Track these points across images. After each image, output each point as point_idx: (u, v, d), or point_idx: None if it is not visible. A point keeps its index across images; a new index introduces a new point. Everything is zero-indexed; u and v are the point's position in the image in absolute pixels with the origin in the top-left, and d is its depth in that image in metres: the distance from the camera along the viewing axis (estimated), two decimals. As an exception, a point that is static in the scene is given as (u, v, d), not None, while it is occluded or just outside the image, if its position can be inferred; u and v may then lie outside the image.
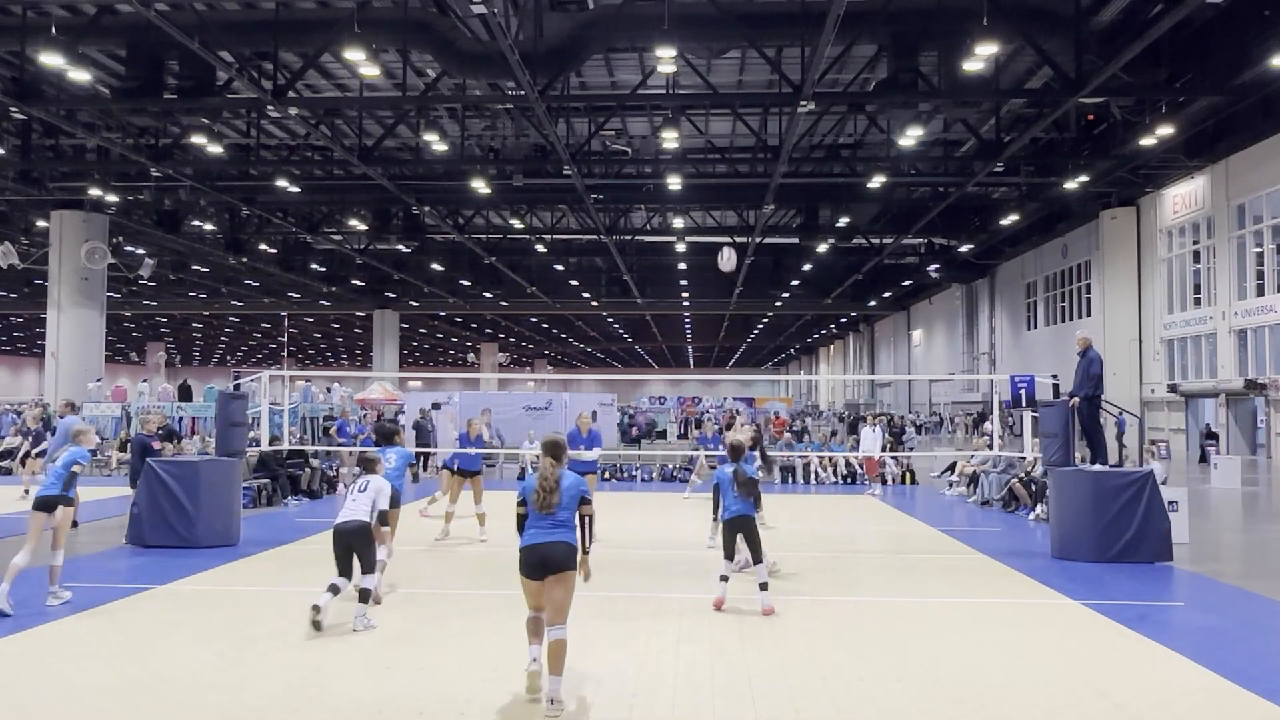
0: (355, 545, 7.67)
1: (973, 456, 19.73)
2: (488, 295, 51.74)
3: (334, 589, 7.57)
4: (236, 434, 12.78)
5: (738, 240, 37.08)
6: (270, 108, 19.97)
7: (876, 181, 26.86)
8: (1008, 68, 21.79)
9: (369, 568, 7.73)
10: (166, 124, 25.55)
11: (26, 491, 17.60)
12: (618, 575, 10.20)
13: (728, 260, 15.09)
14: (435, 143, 24.96)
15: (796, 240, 37.85)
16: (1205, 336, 29.61)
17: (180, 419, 24.16)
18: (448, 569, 10.66)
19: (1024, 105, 24.20)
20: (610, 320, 71.65)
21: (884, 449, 21.41)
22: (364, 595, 7.64)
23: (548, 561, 5.80)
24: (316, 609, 7.41)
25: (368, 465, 8.38)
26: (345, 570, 7.68)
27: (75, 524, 13.24)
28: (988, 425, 23.89)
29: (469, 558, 11.30)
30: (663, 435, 39.26)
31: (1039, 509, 15.21)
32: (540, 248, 39.58)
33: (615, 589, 9.49)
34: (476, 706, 5.75)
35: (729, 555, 8.44)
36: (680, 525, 14.54)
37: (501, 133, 27.42)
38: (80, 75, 20.09)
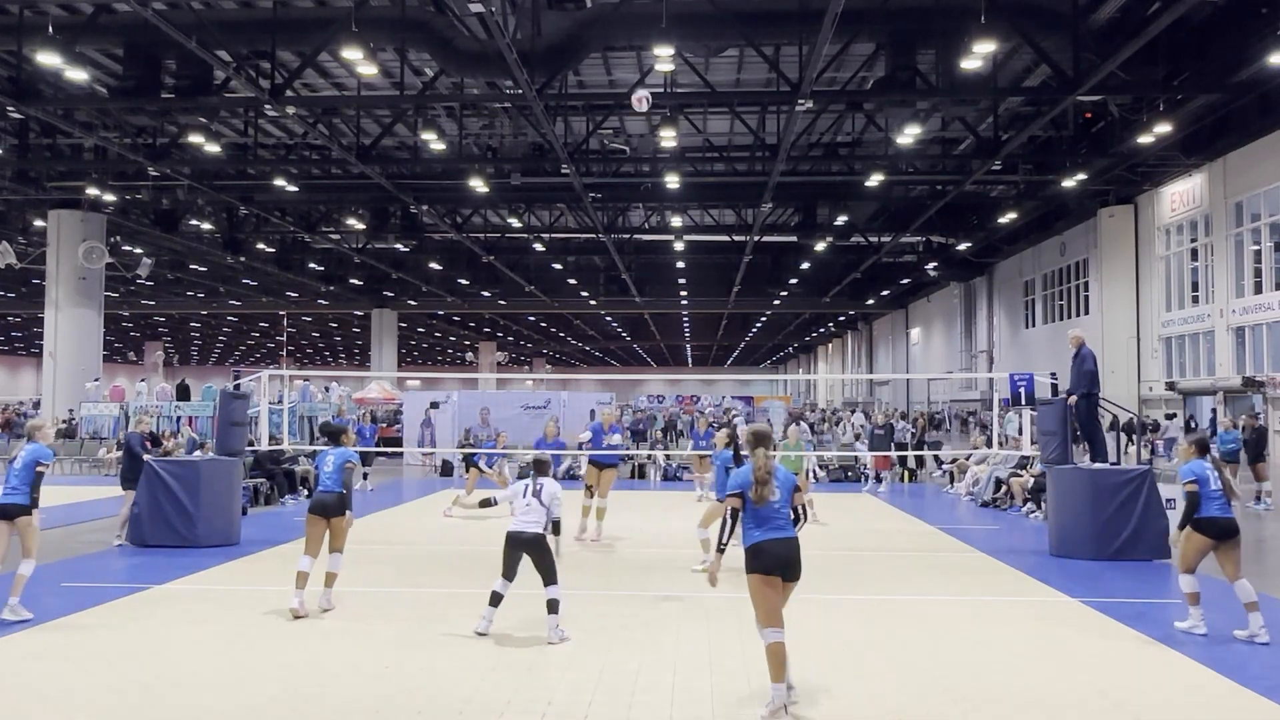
0: (531, 554, 7.36)
1: (970, 455, 19.76)
2: (486, 294, 51.72)
3: (497, 598, 7.42)
4: (236, 434, 12.77)
5: (736, 239, 37.10)
6: (268, 107, 19.93)
7: (874, 180, 26.85)
8: (1005, 66, 21.78)
9: (551, 579, 7.34)
10: (164, 123, 25.52)
11: None
12: (618, 574, 10.21)
13: (641, 101, 15.00)
14: (433, 142, 24.91)
15: (795, 239, 37.82)
16: (1203, 334, 29.63)
17: (178, 418, 24.16)
18: (445, 569, 10.66)
19: (1022, 103, 24.18)
20: (608, 319, 71.63)
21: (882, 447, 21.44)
22: (552, 606, 7.32)
23: (795, 563, 5.64)
24: (488, 620, 7.42)
25: (540, 468, 7.75)
26: (510, 575, 7.44)
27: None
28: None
29: (466, 557, 11.29)
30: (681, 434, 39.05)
31: (1030, 506, 15.24)
32: (538, 246, 39.56)
33: (615, 588, 9.49)
34: (476, 706, 5.75)
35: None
36: (680, 525, 14.54)
37: (499, 131, 27.39)
38: (77, 74, 20.05)
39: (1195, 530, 7.69)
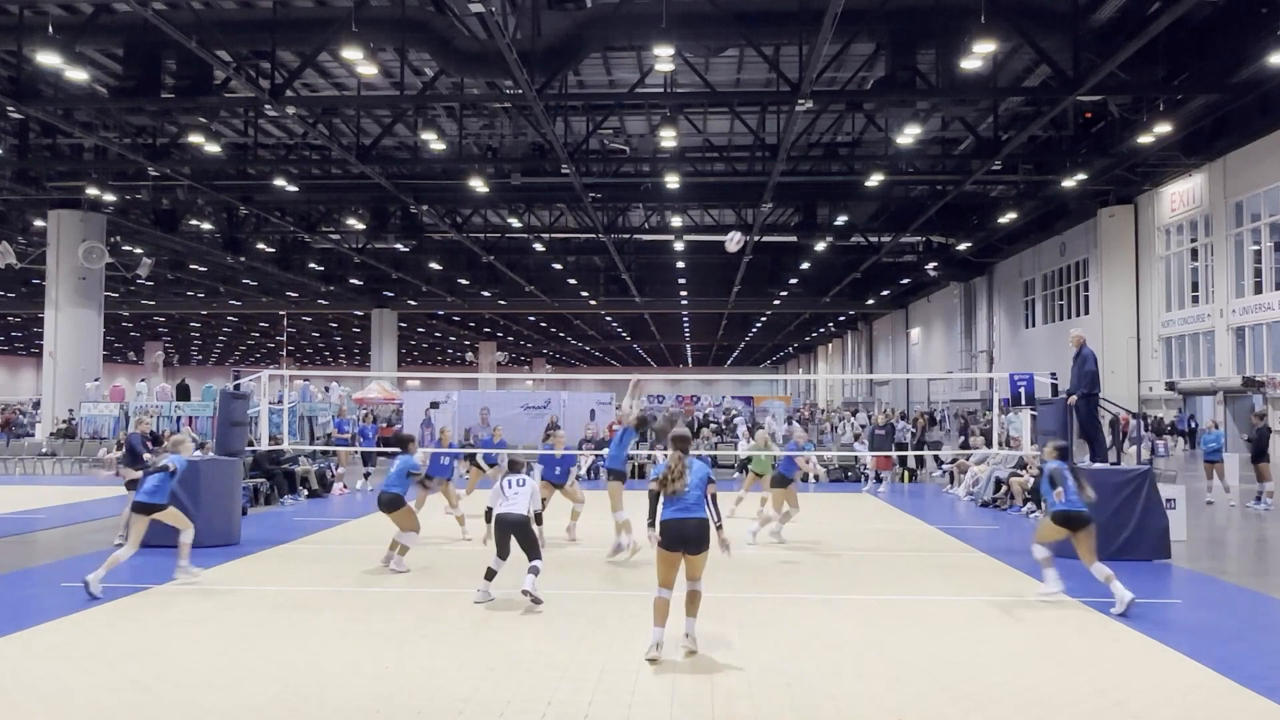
0: (518, 535, 8.46)
1: (970, 455, 19.76)
2: (486, 294, 51.72)
3: (491, 573, 8.55)
4: (236, 434, 12.77)
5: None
6: (268, 107, 19.95)
7: (874, 180, 26.86)
8: (1005, 66, 21.79)
9: (535, 555, 8.51)
10: (164, 123, 25.53)
11: None
12: (618, 574, 10.21)
13: (735, 243, 15.45)
14: (433, 141, 24.92)
15: (795, 239, 37.84)
16: (1203, 334, 29.65)
17: (178, 418, 24.18)
18: (445, 568, 10.66)
19: (1022, 103, 24.20)
20: (609, 319, 71.64)
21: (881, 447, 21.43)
22: (534, 570, 8.43)
23: (693, 538, 6.81)
24: (485, 593, 8.47)
25: (515, 467, 9.25)
26: (504, 554, 8.56)
27: None
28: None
29: (463, 557, 11.29)
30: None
31: (1030, 506, 15.24)
32: (538, 246, 39.57)
33: (615, 588, 9.50)
34: (474, 706, 5.75)
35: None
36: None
37: (499, 131, 27.40)
38: (78, 74, 20.07)
39: (1053, 521, 8.87)
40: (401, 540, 10.30)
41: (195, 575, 9.72)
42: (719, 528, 6.90)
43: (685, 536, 6.80)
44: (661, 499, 6.95)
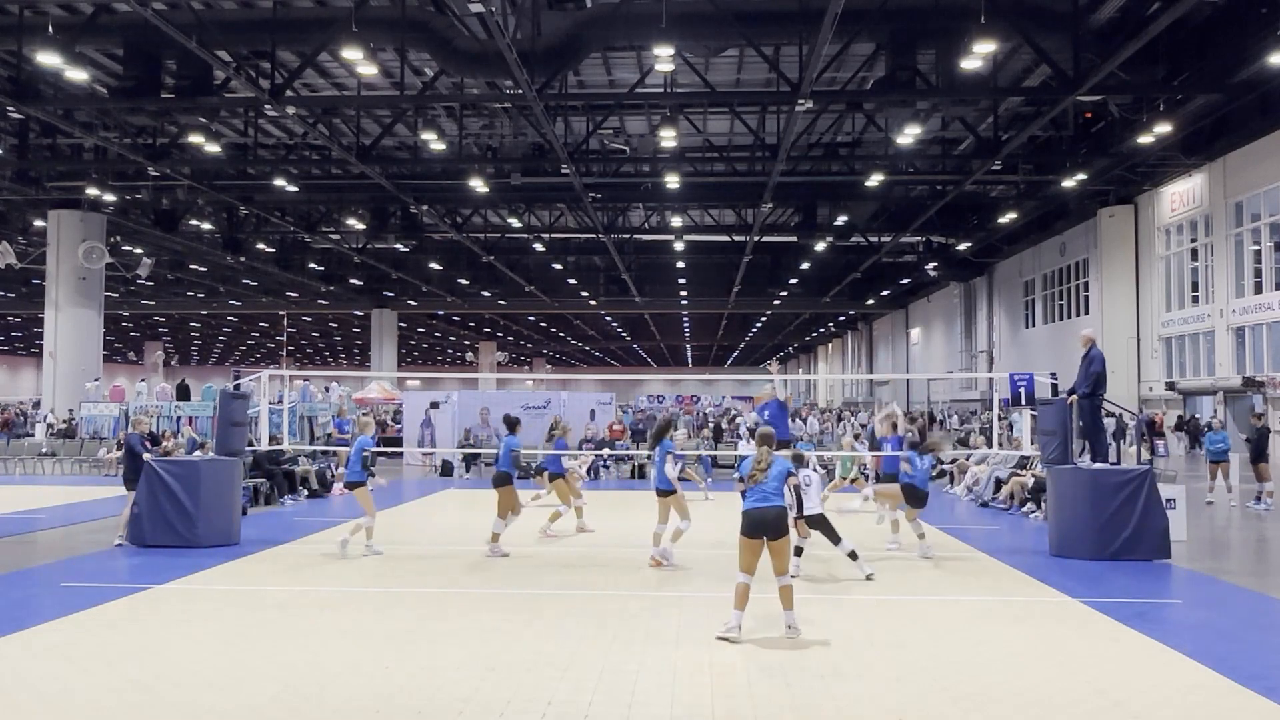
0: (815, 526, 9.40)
1: (970, 455, 19.75)
2: (486, 294, 51.74)
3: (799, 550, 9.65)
4: (236, 434, 12.76)
5: (736, 239, 37.08)
6: (268, 107, 19.96)
7: (874, 180, 26.87)
8: (1005, 66, 21.80)
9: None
10: (164, 123, 25.53)
11: None
12: (617, 574, 10.21)
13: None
14: (433, 142, 24.93)
15: (795, 239, 37.86)
16: (1203, 334, 29.65)
17: (178, 418, 24.17)
18: (445, 568, 10.66)
19: (1022, 103, 24.21)
20: (608, 319, 71.63)
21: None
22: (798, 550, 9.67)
23: (771, 524, 7.36)
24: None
25: (800, 461, 9.69)
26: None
27: None
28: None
29: (465, 557, 11.29)
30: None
31: (1030, 506, 15.23)
32: (538, 246, 39.58)
33: (614, 588, 9.50)
34: (475, 705, 5.75)
35: None
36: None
37: (499, 131, 27.41)
38: (77, 74, 20.08)
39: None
40: (495, 528, 11.17)
41: (379, 553, 11.07)
42: (799, 518, 8.03)
43: (765, 522, 7.33)
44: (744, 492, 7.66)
